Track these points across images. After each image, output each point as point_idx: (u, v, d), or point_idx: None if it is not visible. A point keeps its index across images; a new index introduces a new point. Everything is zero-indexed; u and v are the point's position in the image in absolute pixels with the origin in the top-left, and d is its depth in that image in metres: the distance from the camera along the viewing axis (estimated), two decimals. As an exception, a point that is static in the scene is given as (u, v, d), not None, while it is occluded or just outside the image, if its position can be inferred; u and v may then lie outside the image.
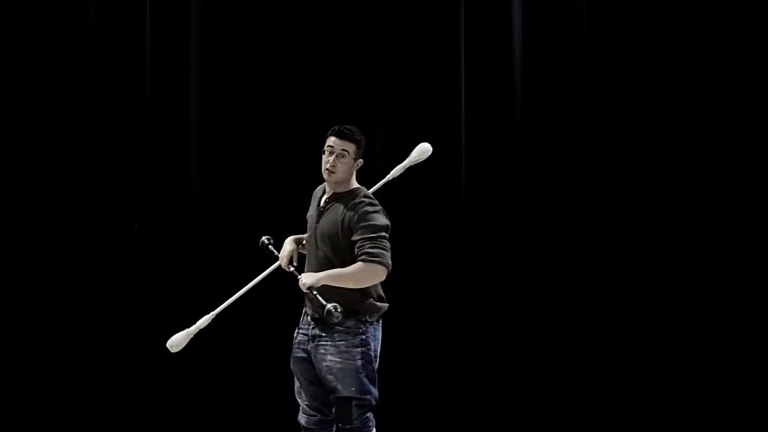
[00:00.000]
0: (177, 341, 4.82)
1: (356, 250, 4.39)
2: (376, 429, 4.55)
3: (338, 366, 4.44)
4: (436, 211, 6.12)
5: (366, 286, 4.43)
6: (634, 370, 6.07)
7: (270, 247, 4.78)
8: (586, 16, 6.14)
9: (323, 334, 4.47)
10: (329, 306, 4.24)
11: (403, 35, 6.16)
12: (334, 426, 4.57)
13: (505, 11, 6.14)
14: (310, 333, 4.53)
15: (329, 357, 4.45)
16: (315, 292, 4.33)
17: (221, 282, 6.10)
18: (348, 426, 4.47)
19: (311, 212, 4.65)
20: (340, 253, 4.45)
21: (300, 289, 4.41)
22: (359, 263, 4.36)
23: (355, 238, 4.41)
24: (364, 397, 4.46)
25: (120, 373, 6.06)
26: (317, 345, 4.49)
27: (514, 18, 6.14)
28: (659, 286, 6.06)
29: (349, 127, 4.56)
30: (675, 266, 6.04)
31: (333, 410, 4.52)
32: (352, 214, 4.44)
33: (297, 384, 4.63)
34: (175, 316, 6.01)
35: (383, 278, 4.42)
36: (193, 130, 6.16)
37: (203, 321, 4.80)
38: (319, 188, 4.71)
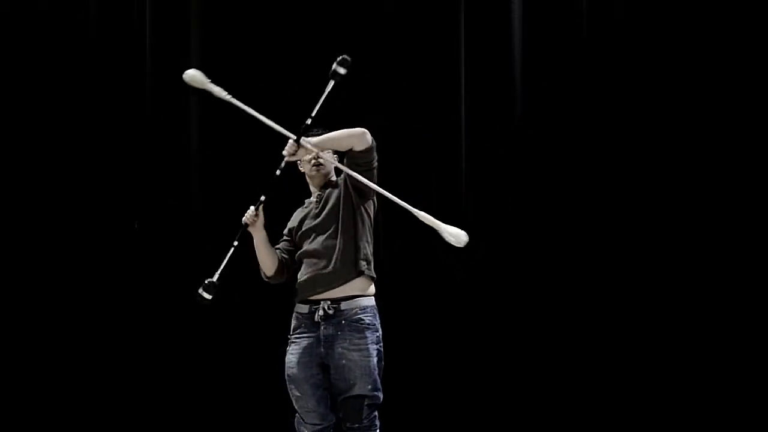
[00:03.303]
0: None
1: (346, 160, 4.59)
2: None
3: (358, 364, 4.45)
4: (435, 210, 6.11)
5: (358, 141, 4.51)
6: (634, 367, 6.08)
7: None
8: (587, 15, 6.15)
9: (338, 333, 4.47)
10: None
11: (403, 35, 6.16)
12: (342, 426, 4.57)
13: (505, 11, 6.15)
14: (321, 334, 4.49)
15: (349, 355, 4.45)
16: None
17: (221, 282, 6.12)
18: (357, 425, 4.48)
19: (304, 212, 4.67)
20: (349, 227, 4.56)
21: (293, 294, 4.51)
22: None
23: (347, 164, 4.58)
24: (376, 394, 4.49)
25: (120, 373, 6.07)
26: (333, 344, 4.46)
27: (514, 18, 6.15)
28: (658, 284, 6.07)
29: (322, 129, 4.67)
30: (673, 261, 6.06)
31: (341, 411, 4.51)
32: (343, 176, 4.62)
33: (297, 393, 4.54)
34: (176, 316, 6.05)
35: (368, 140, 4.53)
36: (193, 130, 6.16)
37: None
38: (299, 207, 4.77)
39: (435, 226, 4.51)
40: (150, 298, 6.07)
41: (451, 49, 6.14)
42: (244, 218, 4.56)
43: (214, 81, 6.12)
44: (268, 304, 5.85)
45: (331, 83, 4.50)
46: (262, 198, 4.54)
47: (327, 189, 4.70)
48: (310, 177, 4.74)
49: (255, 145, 6.16)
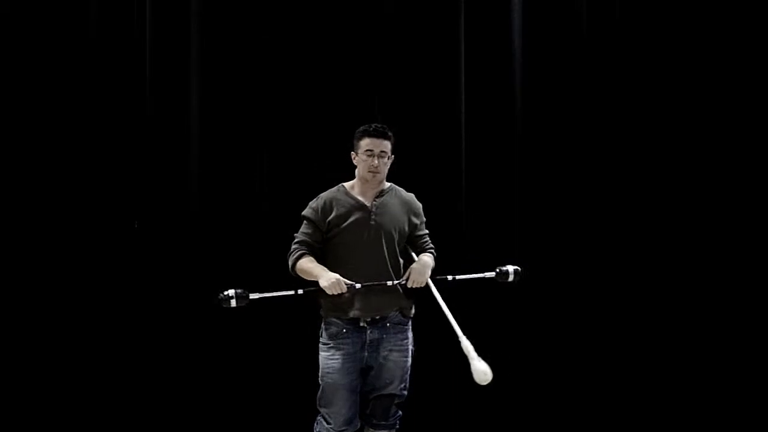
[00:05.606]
0: None
1: (421, 243, 4.72)
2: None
3: (398, 365, 4.60)
4: (436, 210, 6.12)
5: None
6: (635, 367, 6.09)
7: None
8: (587, 15, 6.16)
9: (384, 336, 4.57)
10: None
11: (403, 35, 6.16)
12: (367, 421, 4.68)
13: (505, 11, 6.15)
14: (366, 338, 4.55)
15: (391, 356, 4.59)
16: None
17: (221, 282, 6.12)
18: (383, 422, 4.63)
19: (354, 216, 4.59)
20: (400, 245, 4.65)
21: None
22: (430, 255, 4.72)
23: (420, 232, 4.73)
24: (404, 393, 4.66)
25: (119, 373, 6.07)
26: (378, 347, 4.57)
27: (514, 18, 6.15)
28: (657, 285, 6.08)
29: (381, 125, 4.66)
30: (671, 260, 6.07)
31: (369, 407, 4.61)
32: (415, 207, 4.73)
33: (332, 398, 4.57)
34: (175, 317, 6.05)
35: None
36: (193, 131, 6.16)
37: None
38: (333, 194, 4.65)
39: (467, 355, 4.51)
40: (149, 298, 6.06)
41: (451, 49, 6.14)
42: (332, 289, 4.43)
43: (214, 81, 6.16)
44: (269, 304, 5.85)
45: (482, 274, 4.80)
46: (358, 286, 4.48)
47: (380, 197, 4.65)
48: (364, 178, 4.63)
49: (255, 145, 6.17)
